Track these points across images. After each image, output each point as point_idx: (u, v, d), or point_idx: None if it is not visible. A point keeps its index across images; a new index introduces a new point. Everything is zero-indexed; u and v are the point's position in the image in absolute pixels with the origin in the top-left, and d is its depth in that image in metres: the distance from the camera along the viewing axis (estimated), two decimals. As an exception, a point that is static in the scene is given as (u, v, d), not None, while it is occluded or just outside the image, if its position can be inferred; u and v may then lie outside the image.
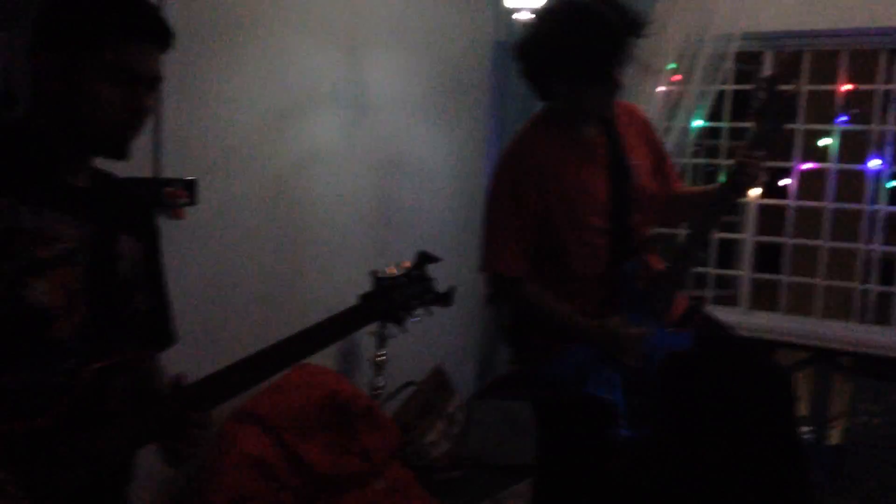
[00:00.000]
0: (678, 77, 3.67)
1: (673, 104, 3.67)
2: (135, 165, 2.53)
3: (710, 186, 2.24)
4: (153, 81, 1.32)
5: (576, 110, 2.08)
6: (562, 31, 1.99)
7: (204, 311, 2.73)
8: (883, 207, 3.57)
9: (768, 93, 2.05)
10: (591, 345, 2.03)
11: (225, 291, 2.84)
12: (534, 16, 2.13)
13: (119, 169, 2.51)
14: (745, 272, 3.79)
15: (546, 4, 2.20)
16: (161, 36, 1.34)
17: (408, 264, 1.53)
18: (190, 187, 2.66)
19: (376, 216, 3.53)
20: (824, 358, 3.55)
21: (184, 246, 2.69)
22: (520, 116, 4.07)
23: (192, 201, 2.66)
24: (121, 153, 1.33)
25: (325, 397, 2.71)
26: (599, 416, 2.00)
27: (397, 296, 1.48)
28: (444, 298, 1.55)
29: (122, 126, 1.29)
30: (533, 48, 2.07)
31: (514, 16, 3.54)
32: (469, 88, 4.03)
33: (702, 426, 2.08)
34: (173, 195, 2.58)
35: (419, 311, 1.53)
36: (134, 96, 1.28)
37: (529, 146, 2.09)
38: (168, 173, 2.63)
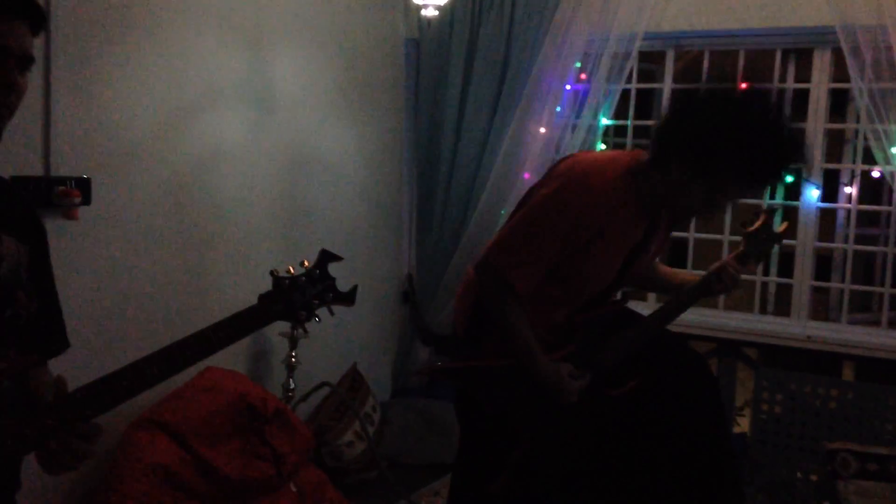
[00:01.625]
0: (584, 76, 3.74)
1: (579, 102, 3.74)
2: (24, 163, 2.43)
3: (687, 277, 2.37)
4: (23, 60, 1.26)
5: (669, 196, 2.02)
6: (735, 134, 1.88)
7: (99, 314, 2.62)
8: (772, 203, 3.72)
9: (763, 223, 2.24)
10: (533, 376, 2.07)
11: (122, 295, 2.74)
12: (714, 96, 1.97)
13: (7, 167, 2.38)
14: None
15: (729, 93, 2.02)
16: (28, 11, 1.27)
17: (308, 263, 1.50)
18: (83, 186, 2.54)
19: (285, 216, 3.47)
20: (729, 348, 3.67)
21: (77, 247, 2.57)
22: (433, 113, 4.07)
23: (85, 201, 2.55)
24: None
25: (234, 401, 2.64)
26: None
27: (297, 296, 1.46)
28: (346, 298, 1.53)
29: None
30: (692, 126, 1.93)
31: (423, 12, 3.54)
32: (380, 86, 4.00)
33: (634, 425, 2.17)
34: (66, 194, 2.47)
35: (321, 310, 1.50)
36: (3, 73, 1.22)
37: (611, 195, 2.00)
38: (61, 172, 2.51)
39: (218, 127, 3.11)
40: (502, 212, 3.87)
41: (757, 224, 2.26)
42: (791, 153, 1.95)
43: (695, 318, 3.72)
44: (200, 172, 3.05)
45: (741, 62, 3.65)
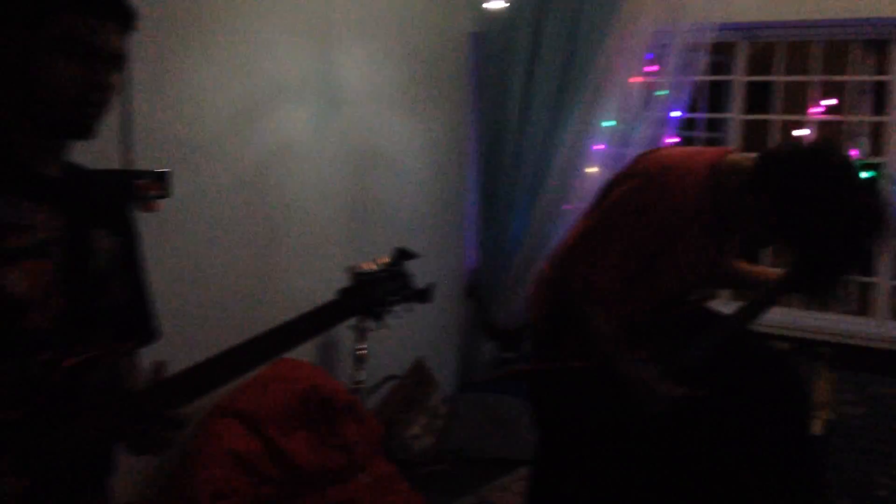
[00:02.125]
0: (654, 68, 3.68)
1: (648, 95, 3.68)
2: (105, 157, 2.50)
3: (768, 272, 2.26)
4: (114, 58, 1.27)
5: (745, 216, 1.97)
6: (832, 204, 1.82)
7: (176, 305, 2.68)
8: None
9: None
10: (618, 380, 2.01)
11: (198, 285, 2.79)
12: (823, 159, 1.88)
13: (89, 161, 2.46)
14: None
15: (844, 172, 1.90)
16: (118, 10, 1.28)
17: (386, 260, 1.51)
18: (162, 179, 2.60)
19: (351, 209, 3.50)
20: (806, 348, 3.57)
21: (156, 239, 2.63)
22: (496, 107, 4.06)
23: (164, 194, 2.61)
24: (84, 131, 1.27)
25: (306, 391, 2.67)
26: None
27: (375, 292, 1.46)
28: (423, 295, 1.54)
29: (81, 102, 1.24)
30: (798, 186, 1.86)
31: (486, 5, 3.52)
32: (444, 79, 4.00)
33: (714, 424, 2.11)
34: (145, 187, 2.53)
35: (398, 307, 1.51)
36: (91, 71, 1.23)
37: (692, 199, 1.96)
38: (139, 165, 2.58)
39: (286, 122, 3.16)
40: (566, 206, 3.84)
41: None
42: (869, 241, 1.89)
43: (771, 318, 3.62)
44: (269, 166, 3.10)
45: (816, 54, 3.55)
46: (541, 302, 2.16)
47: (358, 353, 3.30)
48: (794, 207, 1.85)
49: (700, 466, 2.12)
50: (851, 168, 1.90)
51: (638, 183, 1.99)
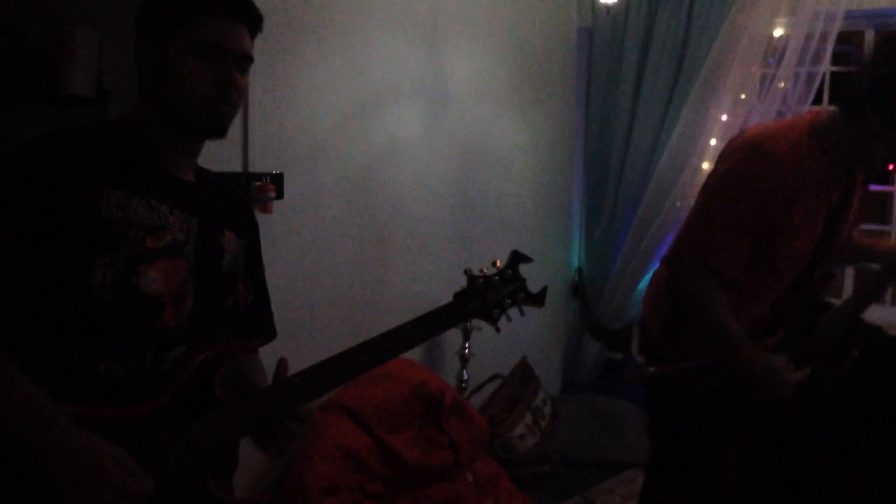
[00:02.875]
0: (771, 59, 3.52)
1: (769, 88, 3.52)
2: (225, 160, 2.59)
3: (893, 243, 2.19)
4: (242, 59, 1.32)
5: (864, 148, 1.91)
6: None
7: (291, 304, 2.76)
8: None
9: None
10: (744, 370, 1.96)
11: (311, 285, 2.87)
12: None
13: (211, 164, 2.56)
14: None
15: None
16: (246, 14, 1.34)
17: (500, 263, 1.53)
18: (278, 181, 2.68)
19: (460, 208, 3.51)
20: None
21: (272, 240, 2.71)
22: (605, 104, 3.99)
23: (279, 195, 2.68)
24: (219, 130, 1.33)
25: (413, 390, 2.70)
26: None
27: (491, 295, 1.49)
28: (537, 298, 1.55)
29: (213, 101, 1.29)
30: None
31: (599, 0, 3.45)
32: (553, 77, 3.96)
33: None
34: (263, 189, 2.61)
35: (511, 310, 1.53)
36: (222, 70, 1.29)
37: (797, 160, 1.91)
38: (256, 168, 2.66)
39: (396, 121, 3.19)
40: (676, 203, 3.73)
41: None
42: None
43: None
44: (379, 166, 3.14)
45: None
46: (658, 303, 2.11)
47: (463, 352, 3.31)
48: None
49: (838, 448, 2.04)
50: None
51: (740, 156, 1.93)
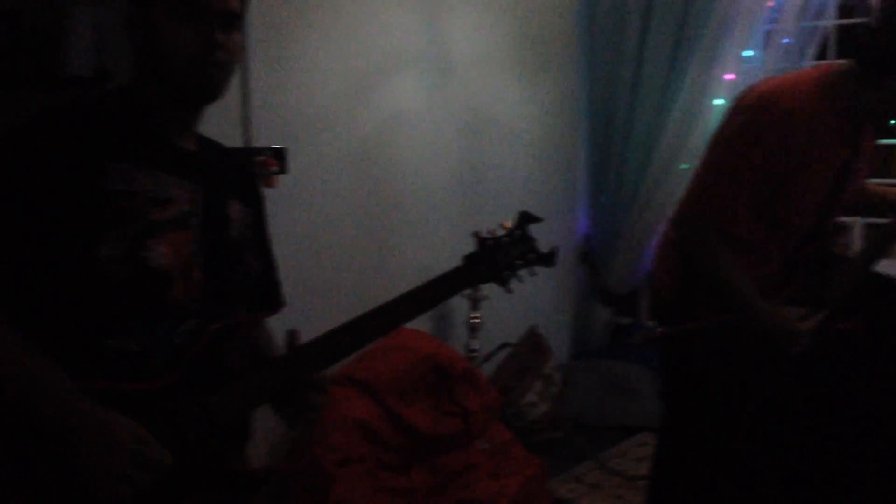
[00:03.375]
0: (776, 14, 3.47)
1: (773, 44, 3.47)
2: (226, 134, 2.57)
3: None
4: (228, 17, 1.27)
5: (879, 109, 1.89)
6: None
7: (297, 278, 2.74)
8: None
9: None
10: (758, 325, 1.95)
11: (318, 258, 2.86)
12: None
13: (214, 138, 2.54)
14: None
15: None
16: None
17: (509, 224, 1.49)
18: (280, 155, 2.67)
19: (464, 177, 3.49)
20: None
21: (276, 214, 2.68)
22: (608, 68, 3.94)
23: (282, 169, 2.67)
24: (207, 92, 1.29)
25: (423, 359, 2.71)
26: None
27: (501, 257, 1.45)
28: (548, 258, 1.50)
29: (200, 62, 1.25)
30: None
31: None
32: (554, 44, 3.91)
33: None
34: (265, 164, 2.60)
35: (522, 271, 1.49)
36: (206, 31, 1.24)
37: (809, 114, 1.87)
38: (258, 142, 2.64)
39: (398, 92, 3.17)
40: (682, 166, 3.70)
41: None
42: None
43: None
44: (382, 137, 3.12)
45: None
46: (667, 265, 2.10)
47: (472, 321, 3.32)
48: None
49: (854, 409, 2.04)
50: None
51: (751, 112, 1.90)
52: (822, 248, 2.06)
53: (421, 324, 3.26)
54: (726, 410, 2.04)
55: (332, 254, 2.93)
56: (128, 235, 1.21)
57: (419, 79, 3.25)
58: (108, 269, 1.20)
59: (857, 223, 3.50)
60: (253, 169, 2.55)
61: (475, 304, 3.30)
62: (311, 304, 2.76)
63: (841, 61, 1.93)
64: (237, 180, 1.45)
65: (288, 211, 2.75)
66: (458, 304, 3.36)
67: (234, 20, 1.29)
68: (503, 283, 1.46)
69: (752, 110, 1.90)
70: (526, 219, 1.48)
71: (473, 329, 3.33)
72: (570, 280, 4.20)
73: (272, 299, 1.54)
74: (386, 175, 3.14)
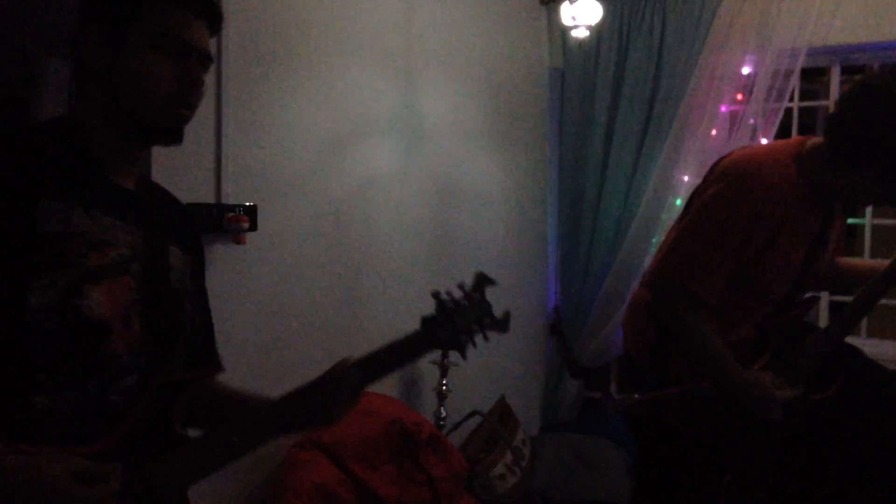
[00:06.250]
0: (741, 97, 3.58)
1: (738, 125, 3.57)
2: (198, 191, 2.56)
3: (873, 265, 2.20)
4: (203, 56, 1.24)
5: (848, 192, 1.93)
6: None
7: (265, 333, 2.70)
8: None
9: None
10: (732, 392, 1.94)
11: (285, 317, 2.81)
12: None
13: (183, 194, 2.52)
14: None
15: None
16: (209, 8, 1.26)
17: (466, 287, 1.45)
18: (251, 213, 2.65)
19: (434, 243, 3.49)
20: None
21: (246, 271, 2.67)
22: (578, 143, 4.02)
23: (253, 227, 2.65)
24: (173, 134, 1.23)
25: (390, 426, 2.63)
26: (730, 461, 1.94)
27: (459, 321, 1.41)
28: (501, 324, 1.48)
29: (173, 100, 1.20)
30: (879, 125, 1.81)
31: (573, 33, 3.50)
32: (526, 115, 3.99)
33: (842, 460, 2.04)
34: (235, 221, 2.57)
35: (478, 336, 1.45)
36: (186, 66, 1.20)
37: (784, 184, 1.92)
38: (230, 199, 2.62)
39: (371, 156, 3.18)
40: (654, 240, 3.74)
41: None
42: None
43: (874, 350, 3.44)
44: (355, 200, 3.12)
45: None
46: (639, 328, 2.09)
47: (441, 388, 3.25)
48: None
49: (829, 471, 2.01)
50: None
51: (725, 182, 1.93)
52: (793, 318, 2.07)
53: (389, 389, 3.20)
54: (703, 479, 2.00)
55: (300, 312, 2.88)
56: (61, 282, 1.10)
57: (392, 144, 3.28)
58: (38, 319, 1.08)
59: (824, 297, 3.55)
60: (223, 229, 2.53)
61: (444, 370, 3.25)
62: (278, 363, 2.70)
63: (816, 138, 1.98)
64: (178, 225, 1.36)
65: (257, 268, 2.72)
66: (428, 370, 3.31)
67: (208, 62, 1.27)
68: (461, 349, 1.42)
69: (729, 178, 1.93)
70: (483, 280, 1.45)
71: (442, 396, 3.26)
72: (540, 351, 4.17)
73: (212, 359, 1.45)
74: (357, 237, 3.13)
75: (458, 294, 1.43)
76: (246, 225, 2.61)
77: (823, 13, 3.32)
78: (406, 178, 3.35)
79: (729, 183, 1.92)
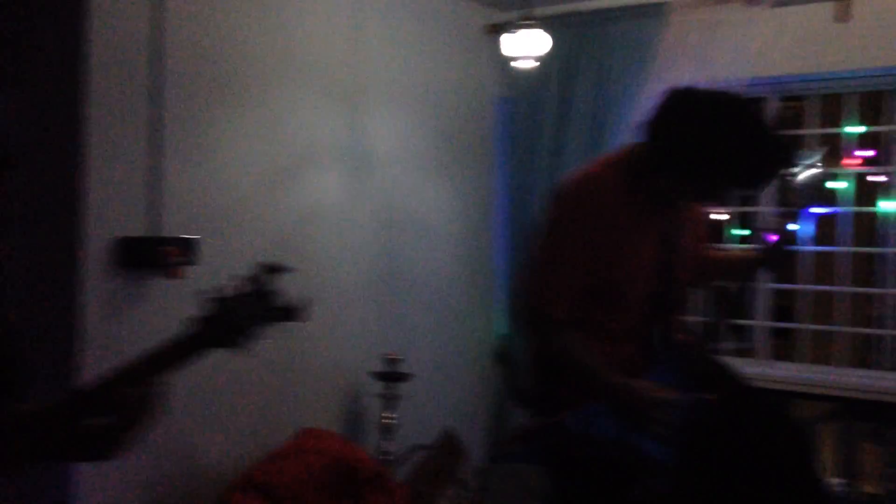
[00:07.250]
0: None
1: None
2: (127, 224, 2.47)
3: (742, 252, 2.28)
4: None
5: (669, 191, 2.03)
6: (724, 144, 1.87)
7: (201, 373, 2.61)
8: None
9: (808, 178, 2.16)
10: (612, 404, 1.96)
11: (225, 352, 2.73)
12: (702, 102, 1.95)
13: (114, 227, 2.44)
14: (761, 322, 3.67)
15: (720, 97, 1.99)
16: None
17: (247, 278, 1.33)
18: (187, 246, 2.57)
19: (380, 272, 3.44)
20: (848, 407, 3.40)
21: (182, 306, 2.58)
22: (525, 171, 4.02)
23: (189, 260, 2.57)
24: None
25: (331, 463, 2.57)
26: (635, 472, 1.94)
27: (237, 316, 1.31)
28: (290, 313, 1.38)
29: None
30: (681, 136, 1.92)
31: (518, 63, 3.51)
32: (473, 144, 3.99)
33: (723, 481, 2.01)
34: (168, 254, 2.49)
35: (262, 329, 1.36)
36: None
37: (612, 193, 2.01)
38: (168, 231, 2.55)
39: (316, 186, 3.14)
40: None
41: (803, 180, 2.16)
42: (779, 160, 2.00)
43: (808, 376, 3.50)
44: (300, 231, 3.06)
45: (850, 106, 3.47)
46: (530, 356, 2.14)
47: (385, 422, 3.20)
48: (696, 158, 1.90)
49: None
50: (722, 102, 1.94)
51: (557, 204, 2.05)
52: (672, 321, 2.12)
53: (331, 423, 3.13)
54: (612, 495, 2.01)
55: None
56: None
57: (338, 173, 3.23)
58: None
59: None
60: (156, 263, 2.44)
61: (389, 403, 3.19)
62: (216, 401, 2.61)
63: (641, 143, 2.06)
64: None
65: (196, 303, 2.63)
66: (371, 403, 3.25)
67: None
68: (238, 346, 1.32)
69: (561, 199, 2.05)
70: (267, 269, 1.34)
71: (387, 430, 3.20)
72: (487, 381, 4.13)
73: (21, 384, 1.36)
74: (302, 268, 3.04)
75: (240, 287, 1.31)
76: (180, 258, 2.54)
77: (764, 45, 3.39)
78: (351, 207, 3.30)
79: (561, 204, 2.04)
